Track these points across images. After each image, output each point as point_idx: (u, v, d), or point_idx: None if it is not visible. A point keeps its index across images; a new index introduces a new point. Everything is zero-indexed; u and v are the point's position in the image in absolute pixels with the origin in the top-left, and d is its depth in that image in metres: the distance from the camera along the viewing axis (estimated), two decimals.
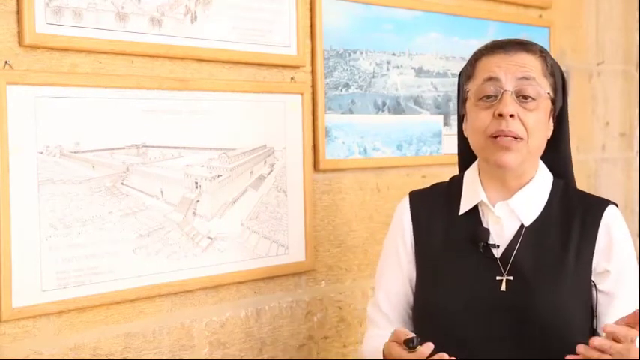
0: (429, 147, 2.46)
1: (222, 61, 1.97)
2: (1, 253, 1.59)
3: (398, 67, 2.39)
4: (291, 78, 2.12)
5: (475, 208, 1.68)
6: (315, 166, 2.17)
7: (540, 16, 2.89)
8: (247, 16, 1.99)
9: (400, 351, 1.48)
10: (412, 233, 1.73)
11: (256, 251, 2.03)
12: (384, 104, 2.36)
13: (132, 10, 1.78)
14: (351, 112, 2.27)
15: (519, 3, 2.79)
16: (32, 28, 1.62)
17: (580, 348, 1.43)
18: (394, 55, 2.38)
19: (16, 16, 1.62)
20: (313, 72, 2.16)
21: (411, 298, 1.73)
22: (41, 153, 1.65)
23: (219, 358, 1.98)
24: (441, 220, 1.71)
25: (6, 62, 1.61)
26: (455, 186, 1.74)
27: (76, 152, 1.71)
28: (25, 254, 1.63)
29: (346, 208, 2.26)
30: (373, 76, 2.33)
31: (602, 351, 1.41)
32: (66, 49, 1.69)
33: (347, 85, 2.26)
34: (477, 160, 1.73)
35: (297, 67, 2.12)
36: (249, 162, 2.02)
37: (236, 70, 2.00)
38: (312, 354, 2.18)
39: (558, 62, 1.74)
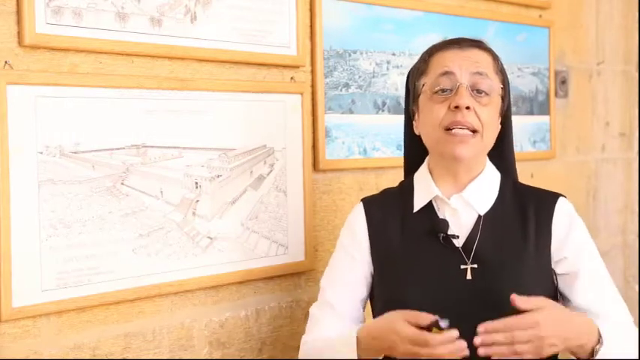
0: None
1: (223, 61, 1.97)
2: (1, 253, 1.59)
3: (398, 67, 2.38)
4: (291, 78, 2.12)
5: (429, 205, 1.70)
6: (315, 166, 2.17)
7: (540, 16, 2.89)
8: (247, 16, 1.99)
9: (414, 331, 1.49)
10: (368, 237, 1.74)
11: (256, 251, 2.03)
12: (384, 104, 2.36)
13: (132, 10, 1.78)
14: (351, 112, 2.27)
15: (519, 3, 2.79)
16: (32, 28, 1.62)
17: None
18: (394, 55, 2.38)
19: (16, 16, 1.62)
20: (313, 72, 2.16)
21: (360, 300, 1.75)
22: (41, 153, 1.65)
23: (219, 358, 1.98)
24: (396, 219, 1.72)
25: (6, 62, 1.61)
26: (406, 188, 1.77)
27: (76, 152, 1.71)
28: (25, 254, 1.63)
29: (346, 208, 2.26)
30: (373, 76, 2.33)
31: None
32: (66, 49, 1.69)
33: (347, 85, 2.26)
34: (426, 161, 1.75)
35: (297, 67, 2.12)
36: (249, 162, 2.02)
37: (236, 70, 2.00)
38: None
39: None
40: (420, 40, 2.41)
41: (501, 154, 1.77)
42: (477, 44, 1.70)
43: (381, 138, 2.34)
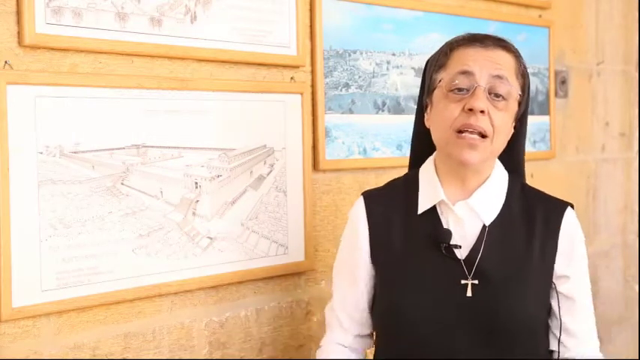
0: None
1: (222, 61, 1.97)
2: (1, 253, 1.59)
3: (398, 67, 2.39)
4: (291, 78, 2.12)
5: (433, 208, 1.64)
6: (315, 166, 2.17)
7: (540, 16, 2.89)
8: (247, 16, 1.99)
9: None
10: (368, 238, 1.69)
11: (256, 251, 2.03)
12: (383, 104, 2.36)
13: (132, 10, 1.78)
14: (351, 112, 2.27)
15: (519, 3, 2.79)
16: (32, 28, 1.62)
17: None
18: (394, 55, 2.38)
19: (16, 16, 1.62)
20: (313, 72, 2.16)
21: (367, 304, 1.72)
22: (41, 153, 1.65)
23: (219, 358, 1.98)
24: (398, 219, 1.67)
25: (6, 62, 1.61)
26: (411, 184, 1.70)
27: (76, 152, 1.71)
28: (25, 254, 1.63)
29: (346, 208, 2.26)
30: (373, 76, 2.33)
31: None
32: (66, 49, 1.69)
33: (347, 85, 2.26)
34: (432, 157, 1.70)
35: (297, 67, 2.12)
36: (248, 162, 2.02)
37: (236, 70, 2.00)
38: (312, 354, 2.17)
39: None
40: (420, 40, 2.42)
41: (512, 155, 1.72)
42: (502, 44, 1.63)
43: (381, 138, 2.34)
